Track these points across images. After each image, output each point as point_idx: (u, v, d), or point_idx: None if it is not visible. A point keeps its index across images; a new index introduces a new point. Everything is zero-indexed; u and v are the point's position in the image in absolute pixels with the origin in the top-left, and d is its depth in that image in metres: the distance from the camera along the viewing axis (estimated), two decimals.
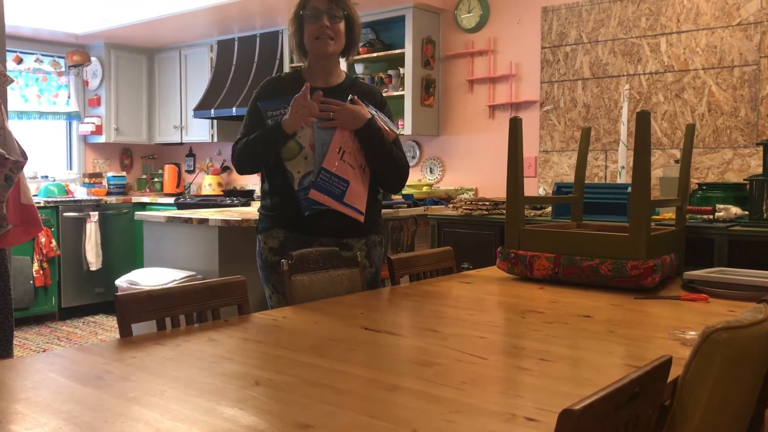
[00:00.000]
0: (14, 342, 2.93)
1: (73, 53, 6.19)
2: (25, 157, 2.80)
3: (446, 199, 4.67)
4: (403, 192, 4.62)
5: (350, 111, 2.25)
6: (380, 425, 1.02)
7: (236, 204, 5.41)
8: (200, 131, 6.23)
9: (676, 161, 3.55)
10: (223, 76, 5.86)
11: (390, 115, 2.43)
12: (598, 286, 2.17)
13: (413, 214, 4.33)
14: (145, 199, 6.16)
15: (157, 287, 1.75)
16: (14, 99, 5.96)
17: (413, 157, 5.09)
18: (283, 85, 2.36)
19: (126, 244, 6.06)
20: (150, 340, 1.53)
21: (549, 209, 3.75)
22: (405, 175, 2.42)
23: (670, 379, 1.11)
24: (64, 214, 5.66)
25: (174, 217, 3.83)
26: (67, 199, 5.86)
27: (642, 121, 2.10)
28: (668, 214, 3.21)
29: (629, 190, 2.61)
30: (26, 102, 6.13)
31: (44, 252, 5.42)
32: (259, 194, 5.76)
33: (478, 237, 3.73)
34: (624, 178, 3.57)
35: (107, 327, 5.44)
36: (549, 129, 4.42)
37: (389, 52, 4.89)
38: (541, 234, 2.35)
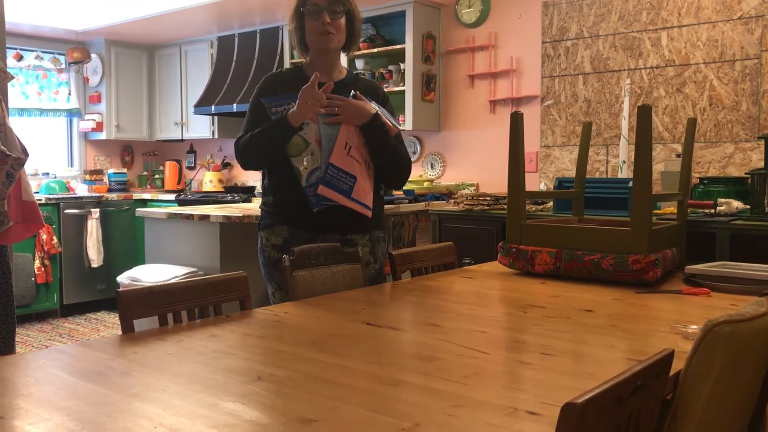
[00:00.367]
0: (16, 339, 2.93)
1: (74, 50, 6.19)
2: (26, 154, 2.80)
3: (447, 194, 4.67)
4: (404, 188, 4.61)
5: (355, 106, 2.24)
6: (382, 419, 1.02)
7: (237, 200, 5.41)
8: (201, 128, 6.23)
9: (678, 155, 3.54)
10: (223, 72, 5.85)
11: (392, 111, 2.43)
12: (599, 280, 2.17)
13: (414, 209, 4.33)
14: (146, 196, 6.16)
15: (158, 283, 1.76)
16: (15, 96, 5.96)
17: (414, 153, 5.09)
18: (284, 81, 2.36)
19: (127, 241, 6.07)
20: (152, 336, 1.53)
21: (550, 204, 3.75)
22: (408, 171, 2.42)
23: (672, 372, 1.11)
24: (66, 211, 5.66)
25: (175, 214, 3.83)
26: (68, 196, 5.87)
27: (643, 116, 2.10)
28: (670, 208, 3.21)
29: (630, 184, 2.61)
30: (27, 99, 6.13)
31: (45, 249, 5.42)
32: (260, 191, 5.78)
33: (479, 232, 3.73)
34: (625, 172, 3.56)
35: (109, 324, 5.44)
36: (550, 124, 4.41)
37: (390, 48, 4.88)
38: (543, 229, 2.35)
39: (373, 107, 2.29)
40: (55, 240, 5.51)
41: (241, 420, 1.02)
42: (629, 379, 0.93)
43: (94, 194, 6.06)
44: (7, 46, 3.02)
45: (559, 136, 4.38)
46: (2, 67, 2.81)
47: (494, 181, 4.64)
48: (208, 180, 6.27)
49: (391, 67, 4.94)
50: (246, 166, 2.38)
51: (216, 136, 6.15)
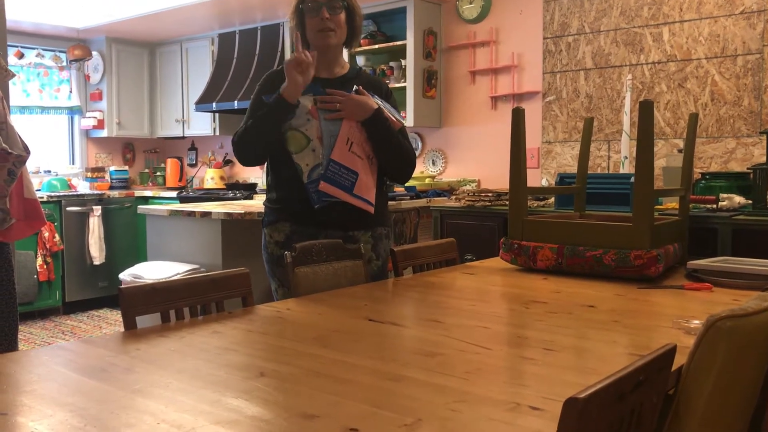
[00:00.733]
0: (19, 336, 2.94)
1: (75, 47, 6.19)
2: (27, 151, 2.80)
3: (449, 190, 4.67)
4: (406, 184, 4.62)
5: (357, 101, 2.24)
6: (385, 415, 1.02)
7: (239, 197, 5.41)
8: (202, 125, 6.23)
9: (679, 151, 3.54)
10: (224, 69, 5.85)
11: (396, 106, 2.43)
12: (601, 276, 2.17)
13: (416, 206, 4.33)
14: (148, 193, 6.17)
15: (160, 280, 1.76)
16: (16, 94, 5.96)
17: (415, 149, 5.08)
18: (285, 79, 2.35)
19: (129, 238, 6.07)
20: (154, 333, 1.53)
21: (552, 200, 3.75)
22: (412, 165, 2.41)
23: (674, 367, 1.11)
24: (67, 208, 5.67)
25: (177, 211, 3.84)
26: (70, 193, 5.87)
27: (645, 111, 2.10)
28: (671, 203, 3.21)
29: (632, 180, 2.61)
30: (28, 97, 6.13)
31: (48, 246, 5.43)
32: (262, 188, 5.78)
33: (481, 228, 3.73)
34: (627, 168, 3.56)
35: (111, 321, 5.45)
36: (551, 120, 4.41)
37: (391, 44, 4.88)
38: (545, 225, 2.35)
39: (376, 102, 2.28)
40: (57, 237, 5.52)
41: (244, 416, 1.02)
42: (631, 374, 0.93)
43: (95, 192, 6.07)
44: (8, 44, 3.02)
45: (560, 132, 4.38)
46: (3, 64, 2.81)
47: (496, 177, 4.64)
48: (209, 177, 6.27)
49: (392, 64, 4.94)
50: (244, 158, 2.34)
51: (217, 134, 6.15)
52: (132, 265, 4.13)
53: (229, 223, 3.64)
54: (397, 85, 4.79)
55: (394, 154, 2.33)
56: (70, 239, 5.67)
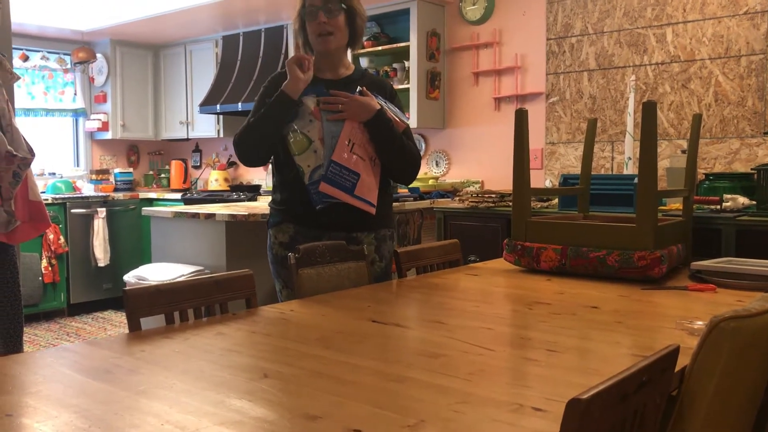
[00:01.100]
0: (24, 338, 2.95)
1: (79, 50, 6.21)
2: (32, 153, 2.82)
3: (452, 191, 4.67)
4: (409, 185, 4.62)
5: (359, 102, 2.24)
6: (388, 416, 1.03)
7: (243, 199, 5.42)
8: (206, 127, 6.24)
9: (683, 151, 3.53)
10: (228, 71, 5.86)
11: (400, 107, 2.43)
12: (605, 277, 2.17)
13: (419, 207, 4.33)
14: (152, 195, 6.18)
15: (165, 282, 1.76)
16: (21, 96, 5.98)
17: (419, 150, 5.09)
18: None
19: (133, 240, 6.09)
20: (158, 334, 1.54)
21: (555, 201, 3.75)
22: (416, 166, 2.41)
23: (677, 368, 1.11)
24: (72, 210, 5.68)
25: (181, 213, 3.85)
26: (75, 195, 5.89)
27: (648, 112, 2.10)
28: (675, 204, 3.20)
29: (636, 180, 2.60)
30: (33, 99, 6.15)
31: (52, 248, 5.44)
32: (266, 189, 5.79)
33: (484, 229, 3.73)
34: (630, 169, 3.56)
35: (116, 323, 5.46)
36: (555, 121, 4.41)
37: (394, 46, 4.88)
38: (548, 225, 2.35)
39: (379, 103, 2.29)
40: (62, 239, 5.53)
41: (248, 417, 1.03)
42: (634, 374, 0.93)
43: (100, 194, 6.08)
44: (13, 46, 3.03)
45: (564, 133, 4.37)
46: (8, 67, 2.83)
47: (499, 178, 4.64)
48: (213, 179, 6.28)
49: (395, 65, 4.94)
50: (245, 157, 2.33)
51: (221, 135, 6.16)
52: (136, 266, 4.14)
53: (233, 224, 3.65)
54: (401, 86, 4.79)
55: (397, 155, 2.33)
56: (74, 241, 5.69)
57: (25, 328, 2.97)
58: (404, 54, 4.85)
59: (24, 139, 2.82)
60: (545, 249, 2.28)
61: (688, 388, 1.16)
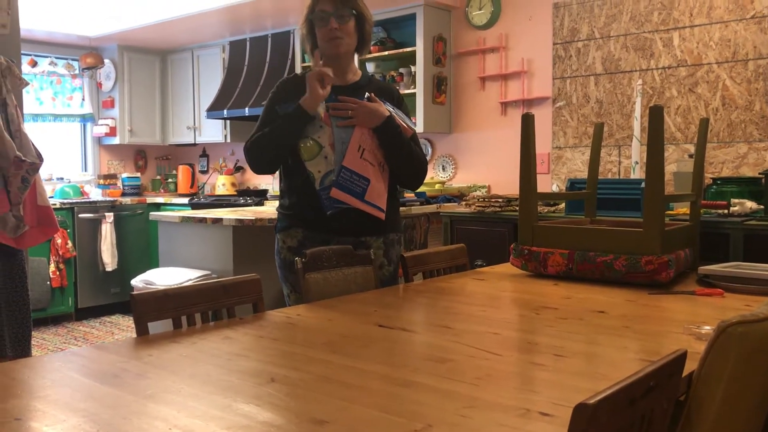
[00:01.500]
0: (32, 342, 2.96)
1: (87, 56, 6.24)
2: (40, 158, 2.83)
3: (459, 196, 4.67)
4: (416, 190, 4.62)
5: (368, 108, 2.25)
6: (395, 420, 1.03)
7: (250, 204, 5.43)
8: (213, 132, 6.26)
9: (690, 156, 3.53)
10: (235, 76, 5.89)
11: (407, 112, 2.44)
12: (612, 281, 2.17)
13: (426, 211, 4.33)
14: (160, 200, 6.20)
15: (172, 286, 1.77)
16: (29, 102, 6.01)
17: (426, 155, 5.10)
18: (298, 85, 2.36)
19: (141, 245, 6.11)
20: (166, 339, 1.54)
21: (562, 205, 3.74)
22: (424, 172, 2.42)
23: (685, 373, 1.11)
24: (80, 215, 5.71)
25: (188, 217, 3.86)
26: (83, 200, 5.91)
27: (655, 116, 2.09)
28: (682, 209, 3.20)
29: (643, 185, 2.60)
30: (41, 105, 6.19)
31: (60, 253, 5.47)
32: (273, 194, 5.80)
33: (491, 234, 3.73)
34: (637, 173, 3.55)
35: (123, 327, 5.48)
36: (562, 125, 4.40)
37: (400, 50, 4.89)
38: (555, 230, 2.35)
39: (388, 109, 2.29)
40: (70, 244, 5.56)
41: (255, 421, 1.03)
42: (642, 379, 0.93)
43: (108, 198, 6.11)
44: (22, 52, 3.05)
45: (570, 138, 4.37)
46: (17, 73, 2.85)
47: (506, 182, 4.64)
48: (220, 183, 6.30)
49: (402, 70, 4.95)
50: (257, 166, 2.35)
51: (228, 140, 6.18)
52: (144, 271, 4.15)
53: (240, 229, 3.66)
54: (407, 91, 4.80)
55: (405, 160, 2.34)
56: (82, 246, 5.71)
57: (33, 333, 2.99)
58: (410, 59, 4.86)
59: (33, 144, 2.84)
60: (552, 253, 2.28)
61: (696, 394, 1.15)
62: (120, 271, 5.88)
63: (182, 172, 6.74)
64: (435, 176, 5.04)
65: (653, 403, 0.98)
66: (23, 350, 2.85)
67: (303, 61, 5.44)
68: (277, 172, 2.48)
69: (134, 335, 1.60)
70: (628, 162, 4.07)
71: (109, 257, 5.80)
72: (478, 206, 3.82)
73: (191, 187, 6.72)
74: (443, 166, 5.05)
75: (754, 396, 1.22)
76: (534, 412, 1.05)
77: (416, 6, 4.73)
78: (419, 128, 4.73)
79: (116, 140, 6.47)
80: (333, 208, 2.25)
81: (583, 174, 4.20)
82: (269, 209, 4.43)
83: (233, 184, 6.30)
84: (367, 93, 2.30)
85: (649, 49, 4.02)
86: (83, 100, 6.48)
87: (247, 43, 5.92)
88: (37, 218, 2.86)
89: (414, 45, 4.78)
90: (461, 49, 4.88)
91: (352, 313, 1.81)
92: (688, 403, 1.16)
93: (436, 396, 1.14)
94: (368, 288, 2.19)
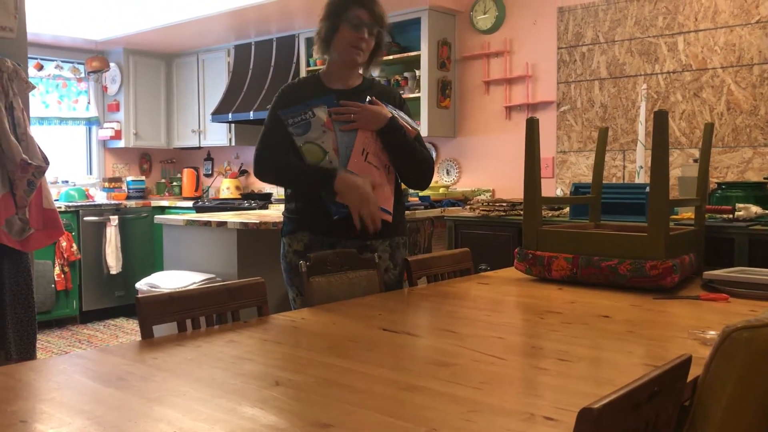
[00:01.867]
0: (36, 345, 2.97)
1: (93, 59, 6.26)
2: (46, 162, 2.84)
3: (463, 200, 4.67)
4: (420, 194, 4.62)
5: (371, 112, 2.26)
6: (399, 424, 1.03)
7: (254, 207, 5.44)
8: (218, 135, 6.27)
9: (695, 160, 3.52)
10: (240, 80, 5.90)
11: (410, 114, 2.44)
12: (616, 286, 2.16)
13: (430, 215, 4.33)
14: (164, 203, 6.21)
15: (177, 290, 1.77)
16: (35, 105, 6.04)
17: (431, 155, 5.09)
18: (301, 90, 2.37)
19: (146, 248, 6.12)
20: (171, 342, 1.54)
21: (567, 210, 3.74)
22: (431, 171, 2.43)
23: (689, 378, 1.11)
24: (85, 218, 5.72)
25: (193, 221, 3.86)
26: (88, 203, 5.93)
27: (660, 121, 2.09)
28: (687, 213, 3.19)
29: (648, 189, 2.60)
30: (47, 108, 6.21)
31: (65, 256, 5.48)
32: (277, 197, 5.81)
33: (495, 238, 3.72)
34: (642, 178, 3.55)
35: (128, 330, 5.48)
36: (566, 129, 4.40)
37: (405, 55, 4.90)
38: (559, 234, 2.35)
39: (390, 111, 2.30)
40: (75, 247, 5.57)
41: (259, 425, 1.03)
42: (646, 384, 0.93)
43: (112, 201, 6.12)
44: (28, 56, 3.06)
45: (575, 142, 4.37)
46: (24, 77, 2.86)
47: (510, 187, 4.63)
48: (225, 187, 6.31)
49: (406, 74, 4.96)
50: (263, 180, 2.40)
51: (233, 144, 6.19)
52: (148, 274, 4.16)
53: (245, 232, 3.66)
54: (412, 95, 4.80)
55: (411, 161, 2.34)
56: (87, 249, 5.73)
57: (37, 335, 2.99)
58: (415, 63, 4.86)
59: (39, 147, 2.85)
60: (556, 258, 2.28)
61: (701, 399, 1.15)
62: (125, 274, 5.89)
63: (187, 176, 6.75)
64: (439, 180, 5.04)
65: (658, 408, 0.98)
66: (28, 353, 2.85)
67: (308, 64, 5.45)
68: None
69: (139, 338, 1.60)
70: (633, 166, 4.07)
71: (113, 260, 5.81)
72: (483, 210, 3.82)
73: (196, 190, 6.73)
74: (447, 170, 5.05)
75: (759, 401, 1.21)
76: (538, 417, 1.05)
77: (421, 10, 4.73)
78: (423, 132, 4.73)
79: (121, 143, 6.49)
80: (340, 213, 2.25)
81: (588, 178, 4.20)
82: (274, 213, 4.44)
83: (238, 188, 6.31)
84: (368, 96, 2.31)
85: (653, 53, 4.01)
86: (89, 103, 6.51)
87: (252, 47, 5.94)
88: (43, 221, 2.87)
89: (419, 49, 4.79)
90: (466, 53, 4.89)
91: (356, 317, 1.81)
92: (692, 408, 1.16)
93: (440, 400, 1.14)
94: (373, 292, 2.19)
